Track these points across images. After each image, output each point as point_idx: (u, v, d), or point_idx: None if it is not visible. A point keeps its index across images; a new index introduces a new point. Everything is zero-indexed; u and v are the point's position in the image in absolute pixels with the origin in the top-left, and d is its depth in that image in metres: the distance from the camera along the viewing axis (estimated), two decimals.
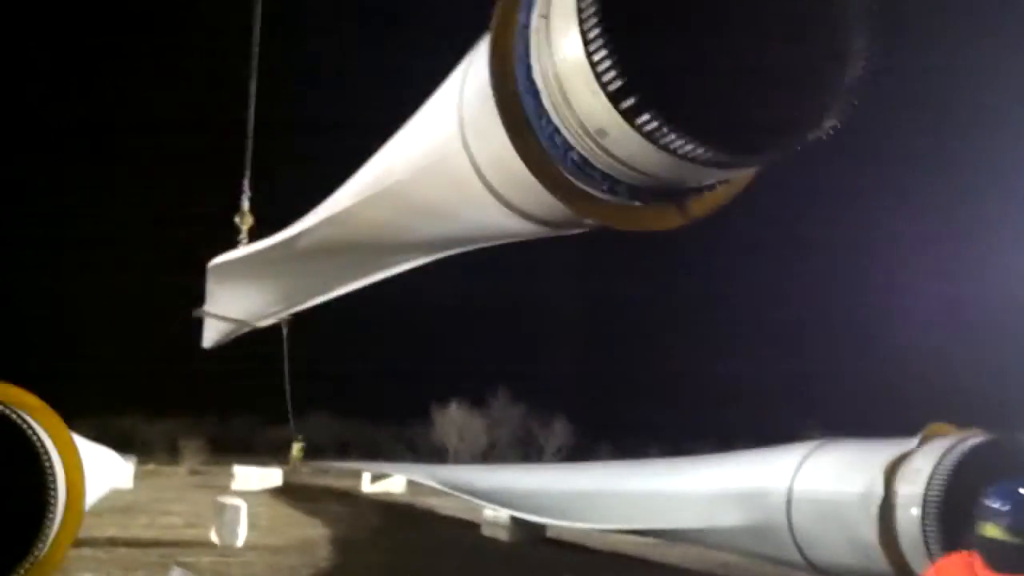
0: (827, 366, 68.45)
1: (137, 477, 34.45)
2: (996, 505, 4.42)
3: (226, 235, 17.38)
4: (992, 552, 4.36)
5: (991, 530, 4.37)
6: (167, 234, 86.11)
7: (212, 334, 17.40)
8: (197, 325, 17.26)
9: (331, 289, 11.01)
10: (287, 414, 34.13)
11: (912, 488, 11.25)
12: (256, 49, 18.20)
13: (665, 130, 3.50)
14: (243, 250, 13.35)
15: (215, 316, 15.60)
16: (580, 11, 3.48)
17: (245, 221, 17.46)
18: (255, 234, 16.52)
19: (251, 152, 18.48)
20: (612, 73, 3.45)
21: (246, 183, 18.06)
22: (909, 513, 11.21)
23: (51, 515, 9.93)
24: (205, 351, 19.07)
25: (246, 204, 17.76)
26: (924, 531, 11.00)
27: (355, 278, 10.01)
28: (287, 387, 25.19)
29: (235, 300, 14.24)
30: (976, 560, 4.41)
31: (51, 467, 9.99)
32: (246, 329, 16.56)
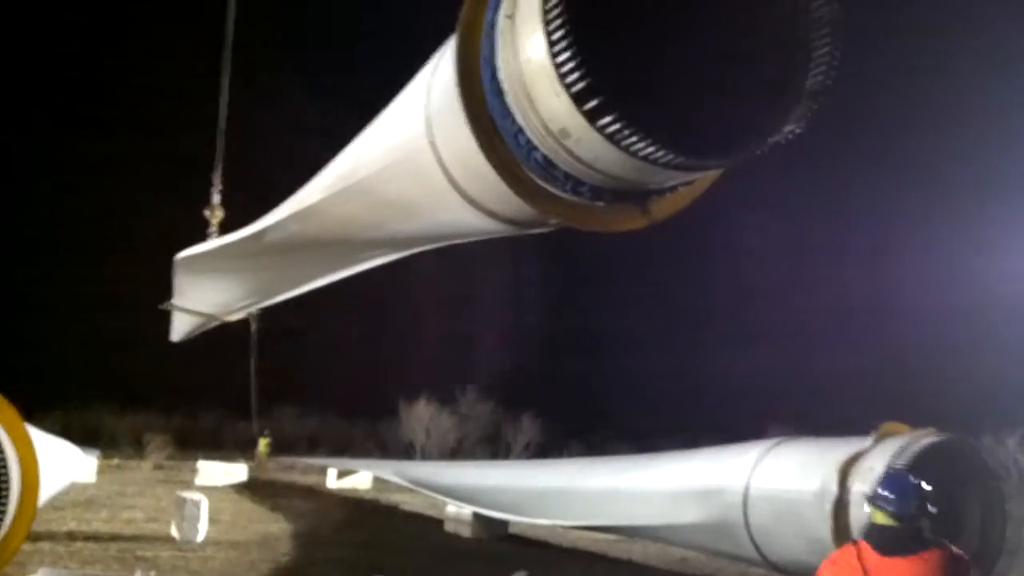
0: (797, 365, 68.95)
1: (100, 471, 34.13)
2: (884, 493, 4.72)
3: (196, 228, 17.34)
4: (881, 537, 4.64)
5: (879, 516, 4.68)
6: (136, 226, 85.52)
7: (181, 327, 17.31)
8: (165, 318, 17.18)
9: (300, 284, 11.00)
10: (261, 410, 34.02)
11: (866, 486, 11.39)
12: (230, 41, 18.16)
13: (627, 133, 3.55)
14: (210, 244, 13.29)
15: (183, 309, 15.53)
16: (545, 13, 3.55)
17: (215, 214, 17.40)
18: (225, 227, 16.48)
19: (222, 146, 18.42)
20: (575, 75, 3.51)
21: (217, 176, 17.99)
22: (863, 511, 11.33)
23: (3, 508, 9.87)
24: (173, 345, 18.98)
25: (216, 197, 17.70)
26: None
27: (323, 273, 10.01)
28: (253, 382, 25.09)
29: (203, 294, 14.18)
30: (863, 546, 4.67)
31: (3, 460, 9.93)
32: (215, 323, 16.50)
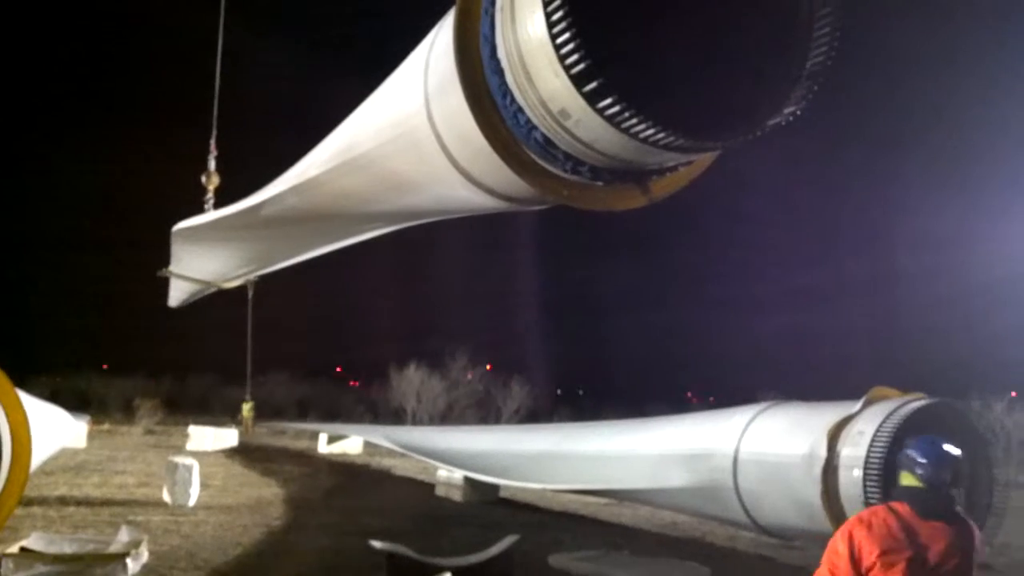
0: (788, 332, 69.30)
1: (91, 437, 34.16)
2: (919, 458, 4.75)
3: (191, 195, 17.30)
4: (923, 501, 4.68)
5: (910, 479, 4.74)
6: (130, 192, 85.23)
7: (178, 294, 17.30)
8: (157, 284, 17.15)
9: (297, 254, 11.00)
10: (246, 374, 34.05)
11: (854, 450, 11.49)
12: (224, 6, 18.05)
13: (626, 114, 3.52)
14: (208, 216, 13.25)
15: (181, 277, 15.51)
16: None
17: (211, 181, 17.34)
18: (221, 193, 16.43)
19: (217, 112, 18.33)
20: (575, 56, 3.47)
21: (212, 143, 17.92)
22: (851, 474, 11.45)
23: None
24: (163, 310, 18.96)
25: (212, 164, 17.64)
26: (865, 492, 11.26)
27: (320, 245, 10.02)
28: (249, 348, 25.09)
29: (201, 262, 14.18)
30: (901, 508, 4.70)
31: None
32: (212, 290, 16.46)
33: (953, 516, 4.76)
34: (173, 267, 15.10)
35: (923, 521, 4.65)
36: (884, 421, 11.42)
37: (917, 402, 11.72)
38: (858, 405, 12.14)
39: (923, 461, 4.73)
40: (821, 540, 12.79)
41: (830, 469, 11.74)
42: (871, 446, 11.32)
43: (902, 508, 4.72)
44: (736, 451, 13.30)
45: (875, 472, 11.22)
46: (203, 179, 17.22)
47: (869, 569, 4.58)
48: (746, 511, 13.35)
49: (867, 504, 11.29)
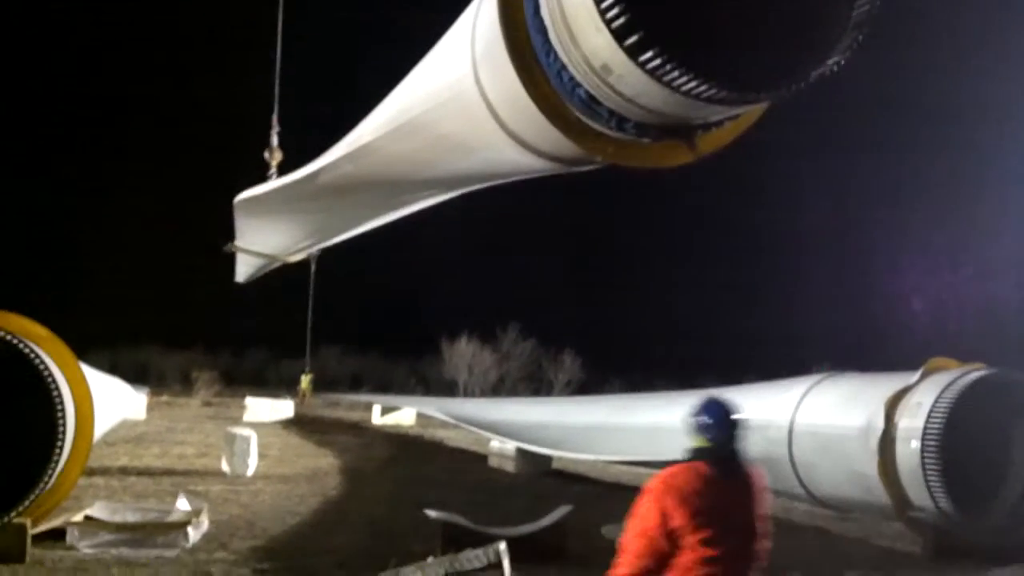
0: (844, 304, 68.49)
1: (150, 408, 34.85)
2: (705, 420, 4.92)
3: (250, 168, 17.43)
4: (714, 457, 4.85)
5: (700, 441, 4.89)
6: (189, 166, 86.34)
7: (245, 268, 17.49)
8: (215, 258, 17.33)
9: (355, 225, 11.05)
10: (303, 347, 34.48)
11: (912, 422, 11.36)
12: None
13: (669, 67, 3.49)
14: (267, 186, 13.34)
15: (245, 251, 15.65)
16: None
17: (274, 156, 17.45)
18: (284, 169, 16.54)
19: (279, 87, 18.41)
20: (616, 10, 3.43)
21: (275, 118, 18.01)
22: (909, 446, 11.33)
23: (60, 445, 10.10)
24: (220, 284, 19.18)
25: (275, 139, 17.74)
26: (923, 464, 11.14)
27: (377, 214, 10.06)
28: (309, 322, 25.32)
29: (264, 235, 14.30)
30: (700, 466, 4.81)
31: (60, 397, 10.15)
32: (277, 264, 16.60)
33: (745, 471, 4.92)
34: (238, 241, 15.22)
35: (721, 479, 4.76)
36: (942, 392, 11.26)
37: (975, 373, 11.55)
38: (916, 376, 11.99)
39: (709, 422, 4.87)
40: (878, 512, 12.70)
41: (887, 441, 11.62)
42: (929, 418, 11.18)
43: (701, 468, 4.79)
44: (791, 422, 13.21)
45: (934, 443, 11.09)
46: (266, 154, 17.33)
47: (680, 532, 4.62)
48: (801, 483, 13.27)
49: (925, 476, 11.18)
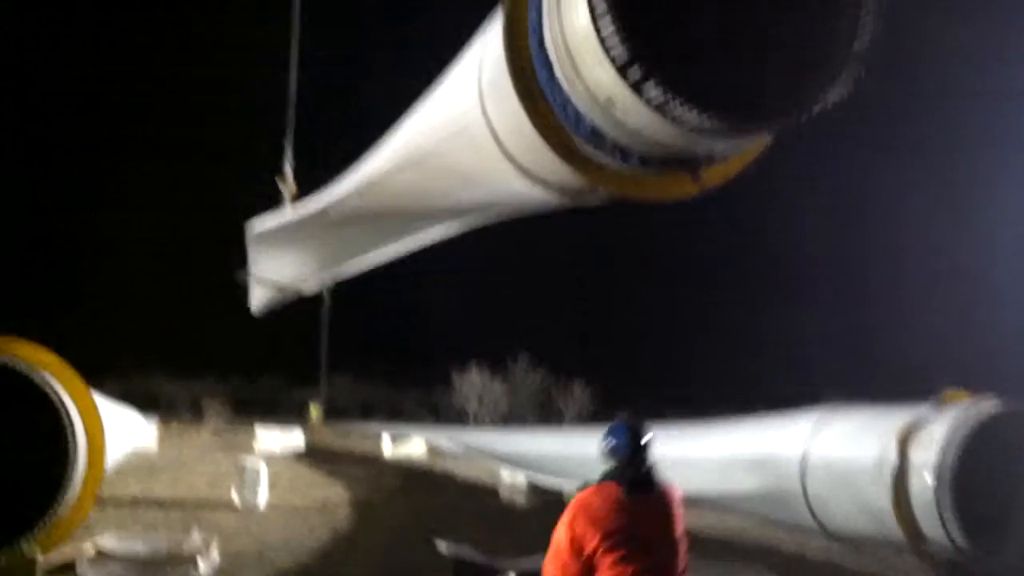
0: (854, 331, 68.25)
1: (160, 438, 34.84)
2: (611, 442, 5.09)
3: (263, 196, 17.48)
4: (624, 478, 4.96)
5: (611, 464, 5.04)
6: (199, 195, 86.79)
7: (259, 299, 17.53)
8: (224, 286, 17.35)
9: (366, 256, 11.07)
10: (315, 374, 34.46)
11: (926, 454, 11.25)
12: (298, 13, 18.23)
13: (671, 101, 3.51)
14: (279, 218, 13.41)
15: (259, 280, 15.68)
16: None
17: (288, 185, 17.52)
18: (298, 198, 16.59)
19: (293, 116, 18.50)
20: (618, 44, 3.46)
21: (288, 147, 18.10)
22: (923, 479, 11.22)
23: (71, 474, 10.11)
24: (229, 312, 19.18)
25: (289, 168, 17.82)
26: (937, 497, 11.02)
27: (387, 245, 10.08)
28: (323, 351, 25.26)
29: (277, 265, 14.33)
30: (615, 487, 4.93)
31: (72, 427, 10.16)
32: (291, 295, 16.65)
33: (659, 490, 5.00)
34: (251, 270, 15.26)
35: (633, 499, 4.84)
36: (956, 425, 11.18)
37: (989, 405, 11.47)
38: (928, 408, 11.91)
39: (617, 444, 5.00)
40: (891, 546, 12.58)
41: (901, 474, 11.51)
42: (943, 450, 11.09)
43: (612, 489, 4.88)
44: (805, 455, 13.11)
45: (948, 477, 10.99)
46: (279, 183, 17.40)
47: (592, 555, 4.68)
48: (815, 516, 13.14)
49: (939, 510, 11.08)
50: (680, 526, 4.99)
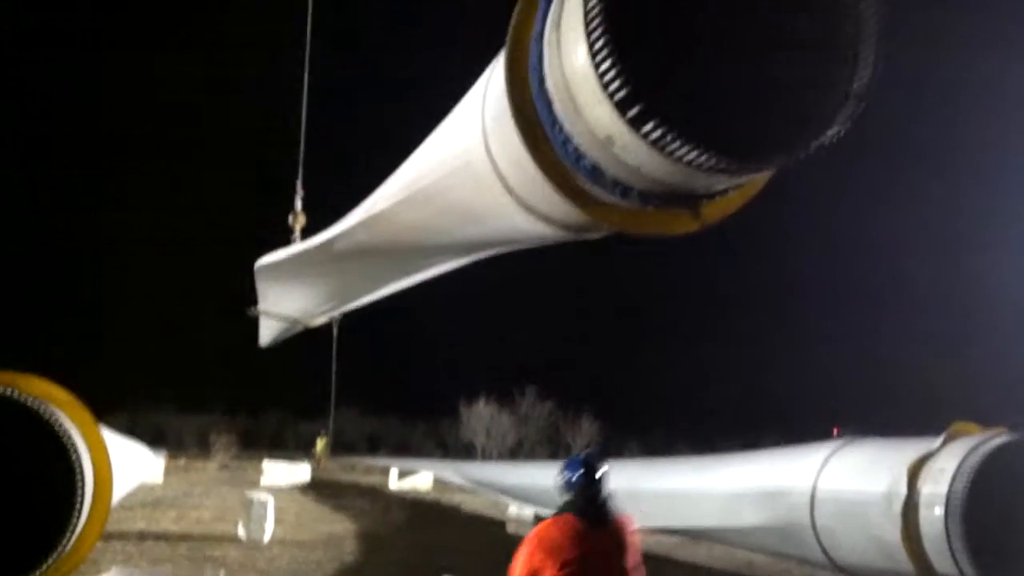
0: (862, 365, 68.06)
1: (167, 472, 34.79)
2: (569, 477, 5.24)
3: (273, 231, 17.51)
4: (581, 510, 5.12)
5: (567, 495, 5.22)
6: (208, 231, 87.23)
7: (268, 332, 17.55)
8: (231, 320, 17.37)
9: (374, 290, 11.11)
10: (322, 408, 34.43)
11: (935, 488, 11.20)
12: (308, 49, 18.31)
13: (671, 138, 3.55)
14: (285, 251, 13.48)
15: (268, 314, 15.74)
16: (587, 21, 3.55)
17: (298, 221, 17.55)
18: (308, 234, 16.61)
19: (303, 152, 18.55)
20: (617, 82, 3.51)
21: (299, 183, 18.16)
22: (932, 513, 11.16)
23: (78, 509, 10.08)
24: (236, 346, 19.18)
25: (299, 204, 17.86)
26: (947, 531, 10.96)
27: (394, 279, 10.12)
28: (333, 386, 25.44)
29: (285, 299, 14.39)
30: (571, 518, 5.09)
31: (78, 461, 10.14)
32: (300, 328, 16.68)
33: (612, 520, 5.19)
34: (260, 305, 15.30)
35: (590, 529, 5.03)
36: (966, 457, 11.12)
37: (1000, 438, 11.42)
38: (938, 441, 11.86)
39: (573, 478, 5.18)
40: None
41: (911, 507, 11.45)
42: (953, 483, 11.04)
43: (569, 521, 5.06)
44: (813, 488, 13.05)
45: (957, 510, 10.93)
46: (290, 219, 17.44)
47: None
48: (824, 550, 13.07)
49: (949, 543, 11.01)
50: (633, 557, 5.13)
